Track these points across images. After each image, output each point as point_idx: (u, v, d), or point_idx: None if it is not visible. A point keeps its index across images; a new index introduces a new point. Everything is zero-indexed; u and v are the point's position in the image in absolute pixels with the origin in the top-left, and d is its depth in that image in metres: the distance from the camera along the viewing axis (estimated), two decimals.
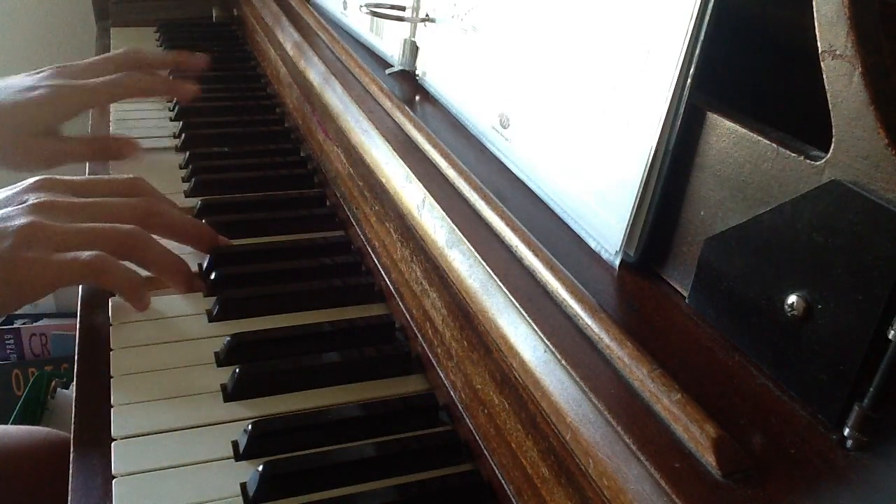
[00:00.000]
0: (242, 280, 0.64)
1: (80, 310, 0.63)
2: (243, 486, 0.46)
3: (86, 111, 0.85)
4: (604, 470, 0.34)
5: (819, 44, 0.33)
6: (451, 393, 0.50)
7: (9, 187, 0.61)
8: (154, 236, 0.61)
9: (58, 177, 0.62)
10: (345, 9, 0.86)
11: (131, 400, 0.52)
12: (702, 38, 0.39)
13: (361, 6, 0.76)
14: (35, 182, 0.61)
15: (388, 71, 0.72)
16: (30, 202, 0.58)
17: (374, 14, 0.73)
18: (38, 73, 0.81)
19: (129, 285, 0.58)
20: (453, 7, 0.64)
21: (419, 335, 0.55)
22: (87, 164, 0.83)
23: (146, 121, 0.95)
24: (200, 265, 0.66)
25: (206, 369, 0.55)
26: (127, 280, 0.57)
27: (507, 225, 0.47)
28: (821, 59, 0.33)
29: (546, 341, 0.40)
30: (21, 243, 0.54)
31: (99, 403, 0.52)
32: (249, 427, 0.49)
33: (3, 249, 0.54)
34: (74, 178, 0.65)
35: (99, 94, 0.81)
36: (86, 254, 0.55)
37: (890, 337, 0.30)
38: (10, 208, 0.57)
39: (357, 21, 0.83)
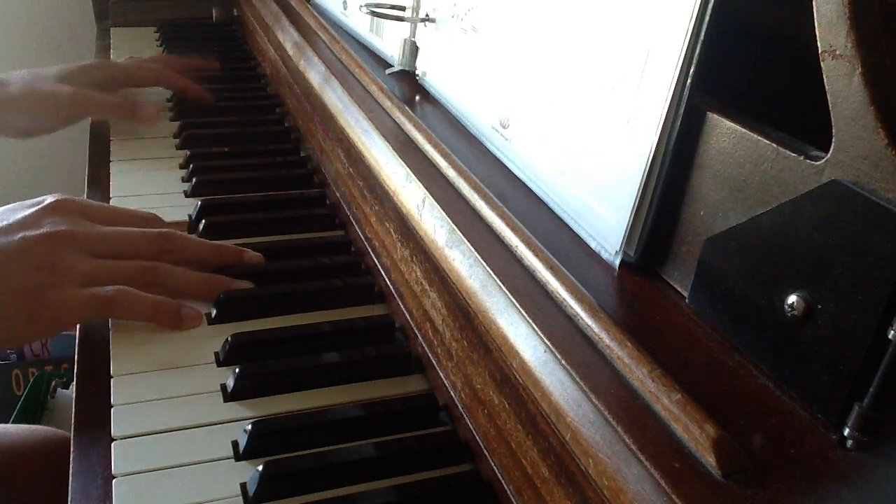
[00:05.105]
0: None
1: None
2: (243, 486, 0.46)
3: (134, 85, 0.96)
4: (604, 470, 0.34)
5: (819, 44, 0.33)
6: (451, 393, 0.50)
7: (20, 204, 0.60)
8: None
9: (74, 199, 0.61)
10: (345, 9, 0.86)
11: (131, 400, 0.52)
12: (702, 38, 0.39)
13: (361, 6, 0.76)
14: (51, 204, 0.59)
15: (388, 71, 0.72)
16: (48, 230, 0.57)
17: (374, 14, 0.73)
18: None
19: (156, 312, 0.57)
20: (453, 7, 0.64)
21: (419, 335, 0.55)
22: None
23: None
24: None
25: (206, 369, 0.55)
26: (152, 308, 0.57)
27: (508, 225, 0.47)
28: (821, 59, 0.33)
29: (546, 341, 0.40)
30: (44, 281, 0.54)
31: (99, 403, 0.52)
32: (249, 427, 0.49)
33: (27, 285, 0.54)
34: (90, 202, 0.65)
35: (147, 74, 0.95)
36: (107, 288, 0.55)
37: (890, 337, 0.30)
38: (28, 233, 0.56)
39: (357, 21, 0.83)
